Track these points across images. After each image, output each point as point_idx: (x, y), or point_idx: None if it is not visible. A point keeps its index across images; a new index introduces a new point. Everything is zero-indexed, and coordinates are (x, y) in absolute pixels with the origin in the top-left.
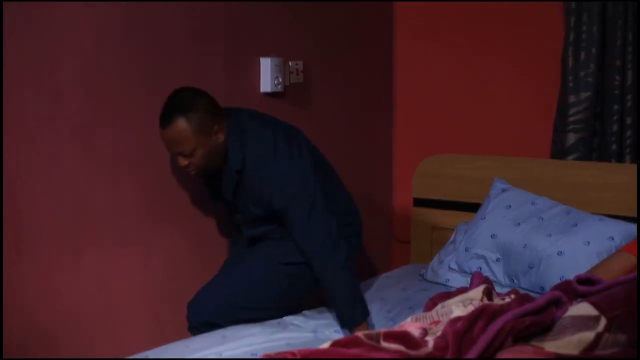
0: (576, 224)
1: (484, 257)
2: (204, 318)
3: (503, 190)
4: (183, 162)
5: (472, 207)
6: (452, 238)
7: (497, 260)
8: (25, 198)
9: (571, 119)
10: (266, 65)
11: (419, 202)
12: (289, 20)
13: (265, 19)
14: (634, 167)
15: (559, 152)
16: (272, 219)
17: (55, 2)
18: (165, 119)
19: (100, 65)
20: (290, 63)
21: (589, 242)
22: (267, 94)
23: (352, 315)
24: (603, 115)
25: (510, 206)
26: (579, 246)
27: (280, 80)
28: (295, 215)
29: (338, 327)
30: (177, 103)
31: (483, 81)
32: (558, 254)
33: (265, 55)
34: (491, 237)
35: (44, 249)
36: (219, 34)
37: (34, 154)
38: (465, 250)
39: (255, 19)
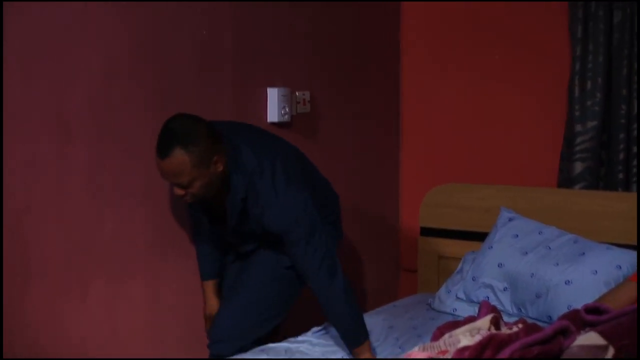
0: (584, 253)
1: (491, 287)
2: (230, 343)
3: (510, 220)
4: (179, 192)
5: (479, 237)
6: (459, 267)
7: (505, 289)
8: (33, 229)
9: (578, 147)
10: (273, 95)
11: (426, 232)
12: (296, 50)
13: (272, 49)
14: None
15: (565, 181)
16: (270, 235)
17: (65, 35)
18: (163, 149)
19: (109, 98)
20: (297, 93)
21: (596, 271)
22: (274, 124)
23: (357, 335)
24: (609, 144)
25: (517, 235)
26: (586, 275)
27: (287, 110)
28: (295, 238)
29: (345, 354)
30: (176, 132)
31: (490, 110)
32: (565, 283)
33: (273, 85)
34: (498, 266)
35: (52, 280)
36: (227, 65)
37: (42, 185)
38: (473, 280)
39: (262, 49)
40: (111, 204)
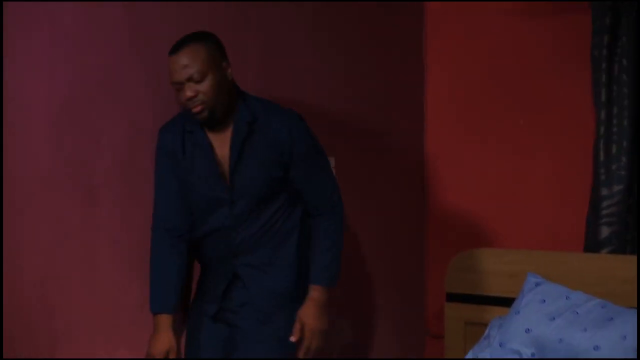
0: (612, 318)
1: (518, 352)
2: None
3: (537, 285)
4: (190, 92)
5: (506, 302)
6: (486, 333)
7: (532, 355)
8: (58, 294)
9: (604, 212)
10: None
11: (452, 297)
12: (321, 115)
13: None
14: None
15: (592, 245)
16: (271, 201)
17: (88, 101)
18: (178, 45)
19: (134, 162)
20: None
21: (625, 337)
22: None
23: (334, 273)
24: (636, 208)
25: (544, 300)
26: (615, 341)
27: None
28: (311, 166)
29: None
30: (191, 35)
31: (515, 175)
32: (594, 348)
33: None
34: (526, 331)
35: (77, 347)
36: None
37: (66, 249)
38: (500, 346)
39: None
40: (137, 268)
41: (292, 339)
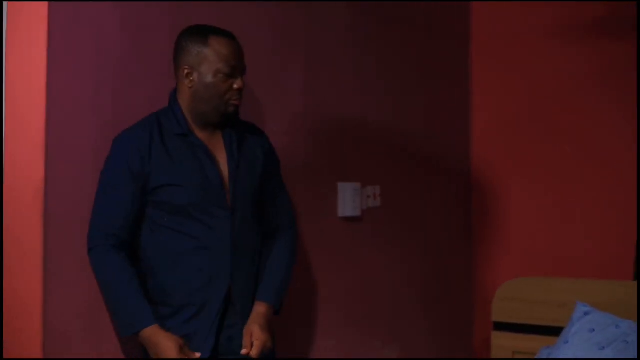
0: None
1: None
2: None
3: (586, 314)
4: (240, 83)
5: (554, 331)
6: None
7: None
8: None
9: None
10: (344, 189)
11: (500, 326)
12: (367, 145)
13: (343, 144)
14: None
15: None
16: (255, 212)
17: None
18: (224, 31)
19: None
20: (368, 187)
21: None
22: (345, 218)
23: (283, 297)
24: None
25: (593, 330)
26: None
27: (358, 204)
28: (278, 182)
29: None
30: (225, 30)
31: (562, 202)
32: None
33: (344, 180)
34: None
35: None
36: (299, 161)
37: None
38: None
39: (333, 144)
40: None
41: (244, 352)
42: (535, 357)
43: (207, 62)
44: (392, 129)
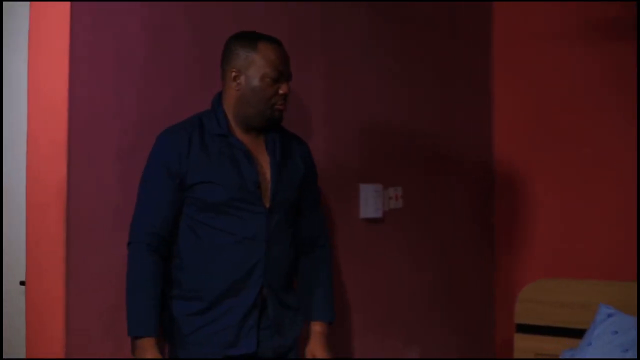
0: None
1: None
2: None
3: (609, 316)
4: (286, 88)
5: (577, 333)
6: None
7: None
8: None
9: None
10: (366, 191)
11: (522, 328)
12: (388, 146)
13: (365, 146)
14: None
15: None
16: (291, 218)
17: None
18: (272, 37)
19: None
20: (389, 188)
21: None
22: (367, 220)
23: (334, 309)
24: None
25: (616, 332)
26: None
27: (379, 205)
28: (315, 196)
29: None
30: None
31: (583, 203)
32: None
33: (365, 181)
34: None
35: None
36: (320, 162)
37: None
38: None
39: (355, 147)
40: None
41: None
42: (558, 359)
43: (255, 66)
44: (413, 129)
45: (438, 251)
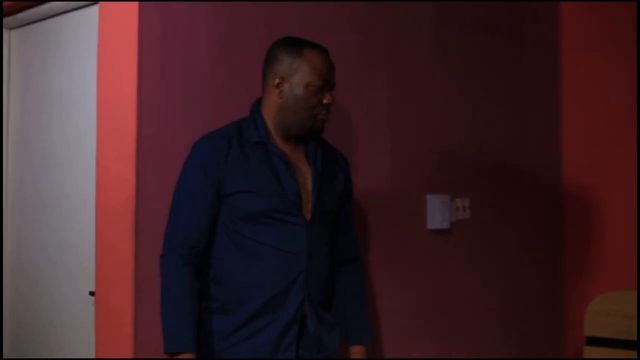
0: None
1: None
2: None
3: None
4: (330, 98)
5: None
6: None
7: None
8: None
9: None
10: (433, 202)
11: (592, 341)
12: (455, 157)
13: (431, 157)
14: None
15: None
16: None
17: None
18: (319, 45)
19: None
20: (457, 199)
21: None
22: (434, 231)
23: (369, 329)
24: None
25: None
26: None
27: (447, 216)
28: (350, 212)
29: None
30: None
31: None
32: None
33: (432, 192)
34: None
35: None
36: (387, 173)
37: None
38: None
39: (422, 158)
40: None
41: None
42: None
43: (300, 73)
44: (480, 140)
45: (506, 263)
